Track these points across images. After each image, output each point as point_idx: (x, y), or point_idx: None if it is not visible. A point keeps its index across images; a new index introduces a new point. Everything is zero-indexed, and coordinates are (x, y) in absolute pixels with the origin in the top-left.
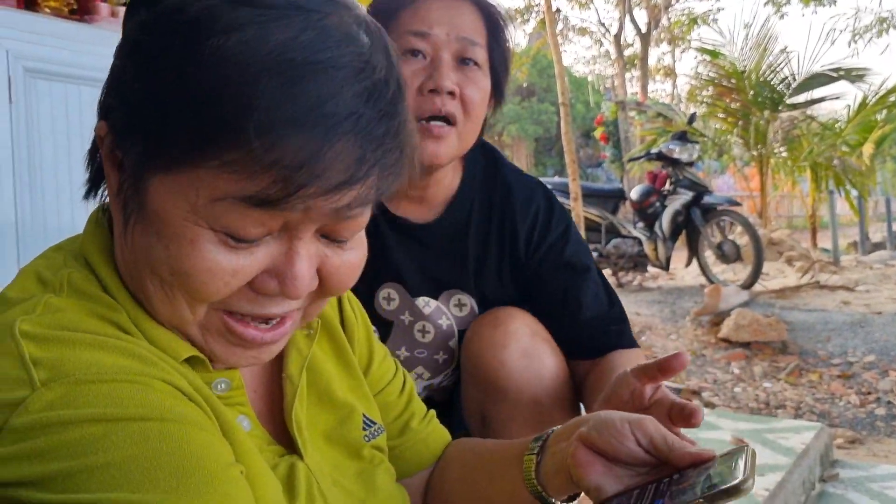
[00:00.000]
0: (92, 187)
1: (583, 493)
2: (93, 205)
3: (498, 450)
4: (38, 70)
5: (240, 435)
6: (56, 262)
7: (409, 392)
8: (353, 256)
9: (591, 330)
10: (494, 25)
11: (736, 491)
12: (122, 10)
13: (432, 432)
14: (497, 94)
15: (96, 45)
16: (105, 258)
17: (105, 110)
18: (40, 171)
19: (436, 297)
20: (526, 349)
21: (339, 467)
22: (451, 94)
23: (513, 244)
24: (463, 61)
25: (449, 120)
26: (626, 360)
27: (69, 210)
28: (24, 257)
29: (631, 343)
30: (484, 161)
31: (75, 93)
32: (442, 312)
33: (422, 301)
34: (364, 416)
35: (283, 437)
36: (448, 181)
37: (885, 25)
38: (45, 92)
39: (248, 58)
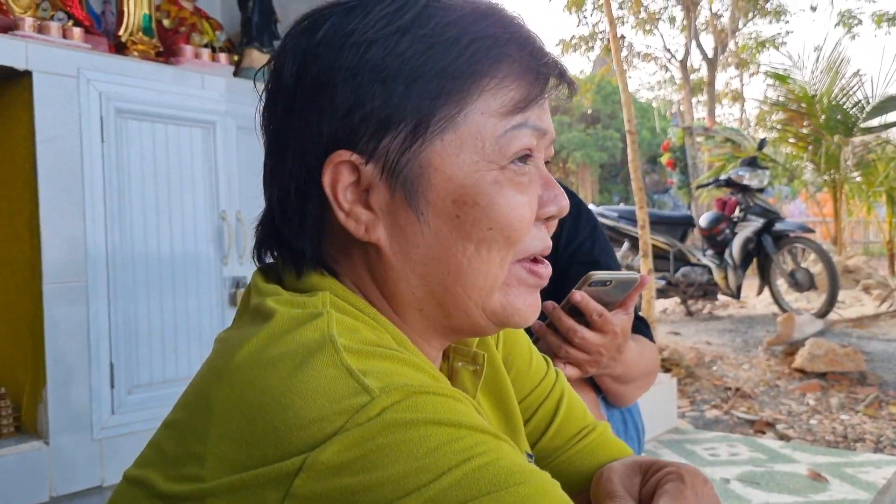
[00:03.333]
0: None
1: None
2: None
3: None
4: (128, 111)
5: None
6: (286, 297)
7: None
8: None
9: None
10: None
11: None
12: (204, 52)
13: (592, 448)
14: None
15: (181, 86)
16: (349, 292)
17: (331, 142)
18: (129, 206)
19: None
20: None
21: None
22: None
23: None
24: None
25: None
26: (640, 345)
27: (155, 242)
28: (114, 285)
29: (647, 335)
30: None
31: (162, 132)
32: None
33: None
34: (529, 454)
35: None
36: None
37: None
38: (134, 131)
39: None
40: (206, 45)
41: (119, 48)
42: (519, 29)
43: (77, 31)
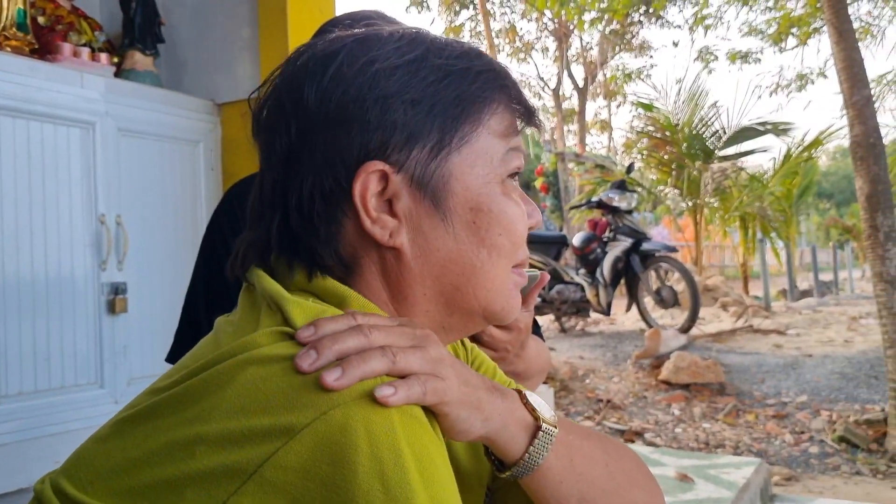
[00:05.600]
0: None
1: None
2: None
3: None
4: (1, 106)
5: None
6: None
7: None
8: None
9: None
10: None
11: None
12: (84, 51)
13: None
14: None
15: (59, 83)
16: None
17: (362, 154)
18: (0, 216)
19: None
20: None
21: None
22: None
23: None
24: None
25: None
26: (536, 343)
27: (28, 245)
28: None
29: (538, 334)
30: None
31: (37, 130)
32: None
33: None
34: (488, 488)
35: None
36: None
37: (803, 82)
38: (7, 128)
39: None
40: (84, 45)
41: None
42: (506, 68)
43: None
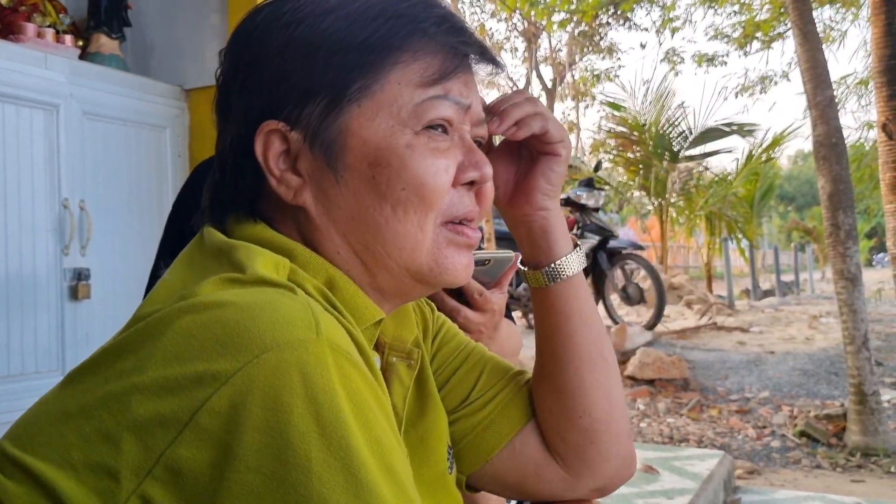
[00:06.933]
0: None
1: None
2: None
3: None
4: None
5: None
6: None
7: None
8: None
9: None
10: None
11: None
12: (48, 32)
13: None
14: None
15: (22, 64)
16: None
17: (260, 114)
18: None
19: None
20: None
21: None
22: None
23: None
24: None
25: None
26: (508, 325)
27: (3, 249)
28: None
29: (509, 317)
30: None
31: None
32: None
33: None
34: (449, 446)
35: None
36: None
37: (767, 84)
38: None
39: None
40: (48, 27)
41: None
42: (439, 10)
43: None
